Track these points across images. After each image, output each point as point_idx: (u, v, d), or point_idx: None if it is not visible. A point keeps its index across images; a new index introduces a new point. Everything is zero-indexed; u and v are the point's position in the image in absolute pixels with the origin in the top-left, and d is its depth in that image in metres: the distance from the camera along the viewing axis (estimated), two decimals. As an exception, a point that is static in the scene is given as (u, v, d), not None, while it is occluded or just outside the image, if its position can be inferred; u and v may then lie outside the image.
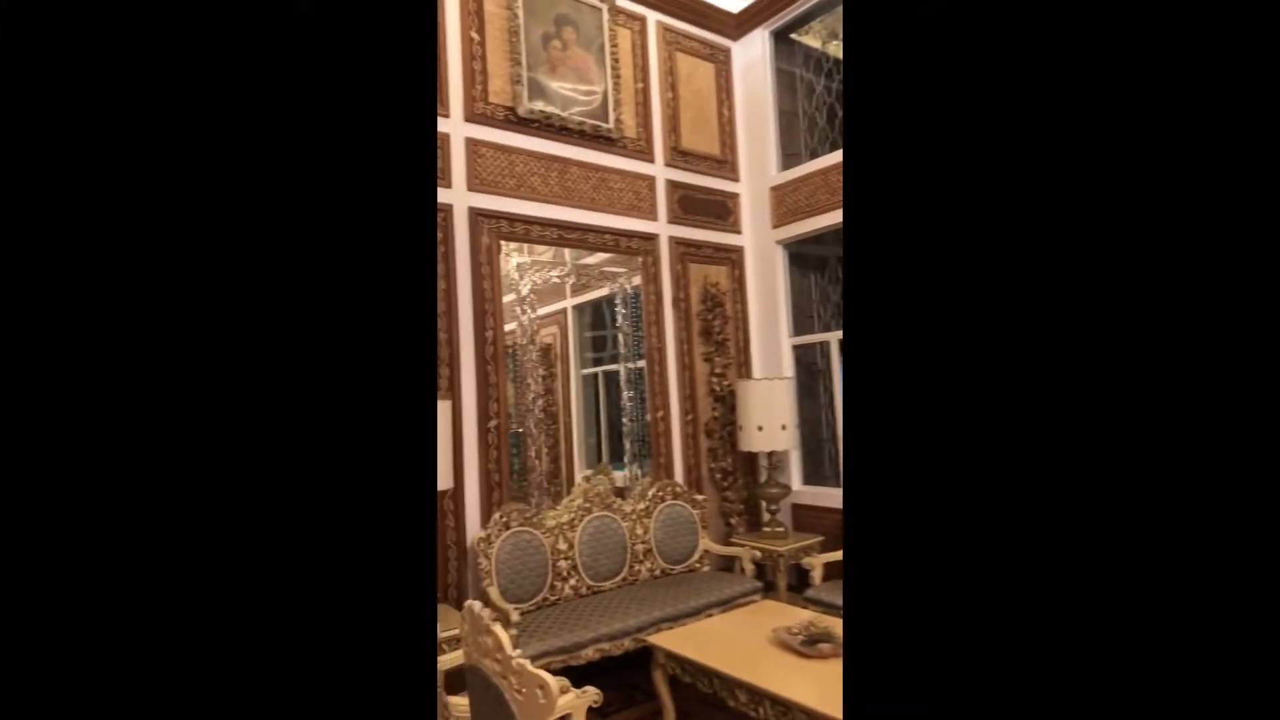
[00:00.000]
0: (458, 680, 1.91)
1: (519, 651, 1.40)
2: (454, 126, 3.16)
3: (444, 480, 2.62)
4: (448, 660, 2.04)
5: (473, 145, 3.21)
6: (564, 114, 3.47)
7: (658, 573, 3.45)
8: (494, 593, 2.83)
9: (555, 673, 2.63)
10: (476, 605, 1.51)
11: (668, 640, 2.42)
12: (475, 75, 3.25)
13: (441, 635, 2.15)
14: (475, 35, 3.26)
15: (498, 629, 1.40)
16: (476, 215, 3.18)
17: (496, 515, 3.00)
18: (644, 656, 2.61)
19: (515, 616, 2.63)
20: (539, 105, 3.39)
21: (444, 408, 2.65)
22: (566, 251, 3.56)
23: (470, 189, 3.18)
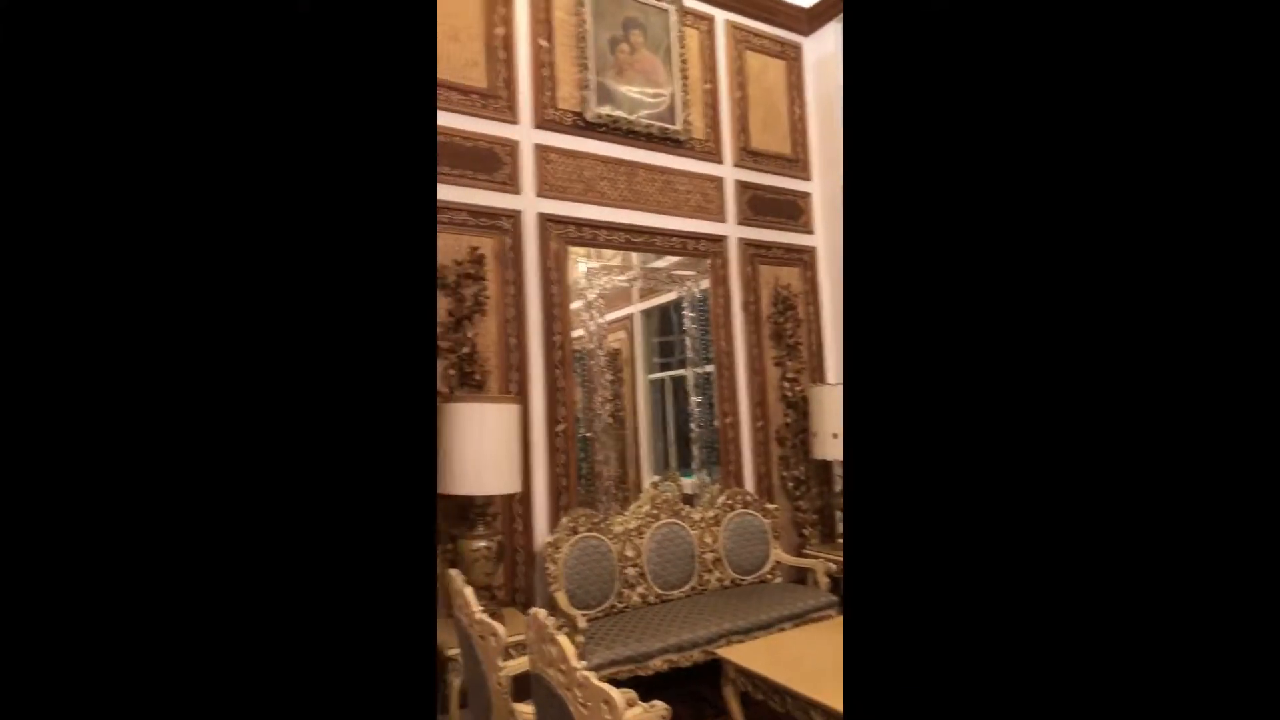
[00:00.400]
0: (524, 686, 1.89)
1: (583, 664, 1.36)
2: (523, 133, 3.19)
3: (513, 484, 2.63)
4: (514, 666, 2.03)
5: (541, 151, 3.23)
6: (631, 117, 3.45)
7: (727, 583, 3.36)
8: (562, 598, 2.82)
9: (623, 683, 2.58)
10: (541, 613, 1.48)
11: (739, 654, 2.34)
12: (544, 81, 3.27)
13: (509, 640, 2.15)
14: (544, 42, 3.28)
15: (562, 639, 1.37)
16: (545, 221, 3.20)
17: (564, 520, 3.00)
18: (714, 669, 2.53)
19: (583, 623, 2.61)
20: (606, 109, 3.38)
21: (513, 412, 2.66)
22: (634, 255, 3.53)
23: (539, 195, 3.20)
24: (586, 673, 1.35)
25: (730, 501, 3.49)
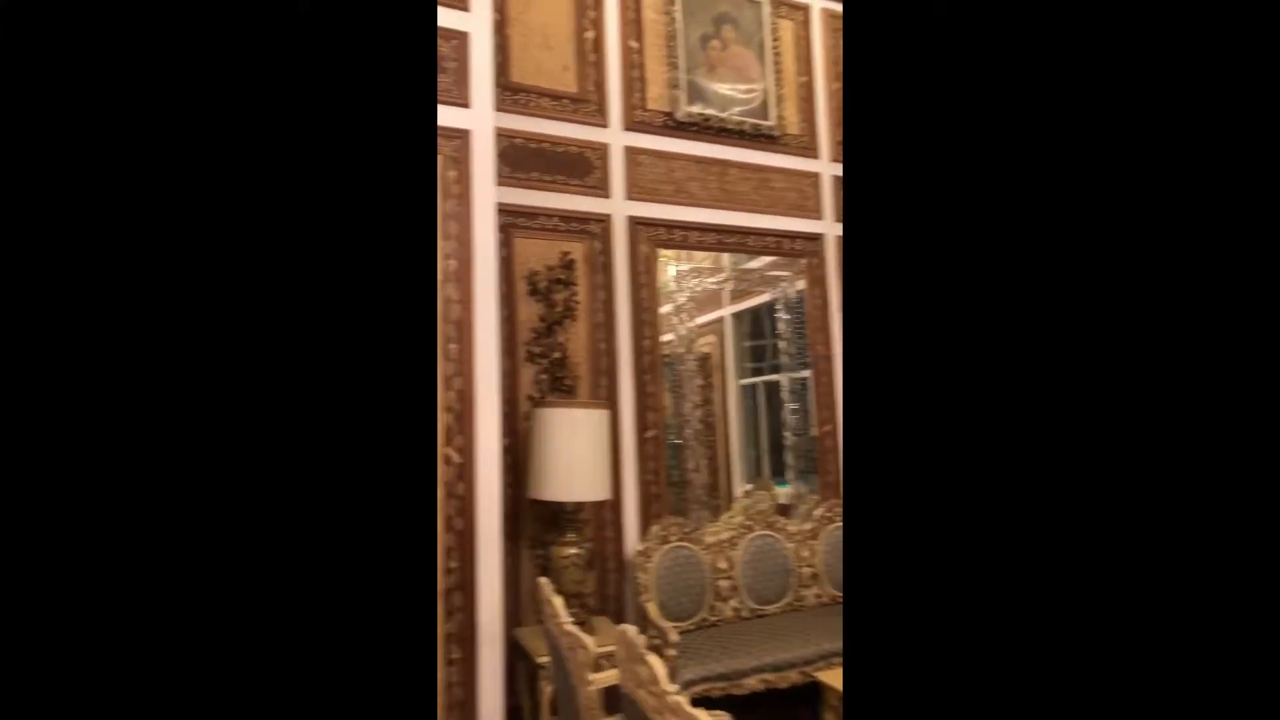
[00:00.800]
0: (615, 698, 1.84)
1: (675, 687, 1.28)
2: (613, 136, 3.17)
3: (602, 490, 2.60)
4: (604, 678, 1.98)
5: (631, 154, 3.20)
6: (723, 115, 3.36)
7: (825, 600, 3.18)
8: (652, 609, 2.76)
9: (715, 702, 2.48)
10: (631, 630, 1.41)
11: (840, 680, 2.18)
12: (633, 83, 3.24)
13: (598, 650, 2.11)
14: (634, 43, 3.25)
15: (653, 660, 1.30)
16: (634, 224, 3.16)
17: (655, 528, 2.93)
18: (813, 692, 2.38)
19: (674, 636, 2.53)
20: (697, 108, 3.30)
21: (602, 417, 2.63)
22: (725, 257, 3.43)
23: (629, 198, 3.17)
24: (679, 698, 1.27)
25: (829, 514, 3.31)
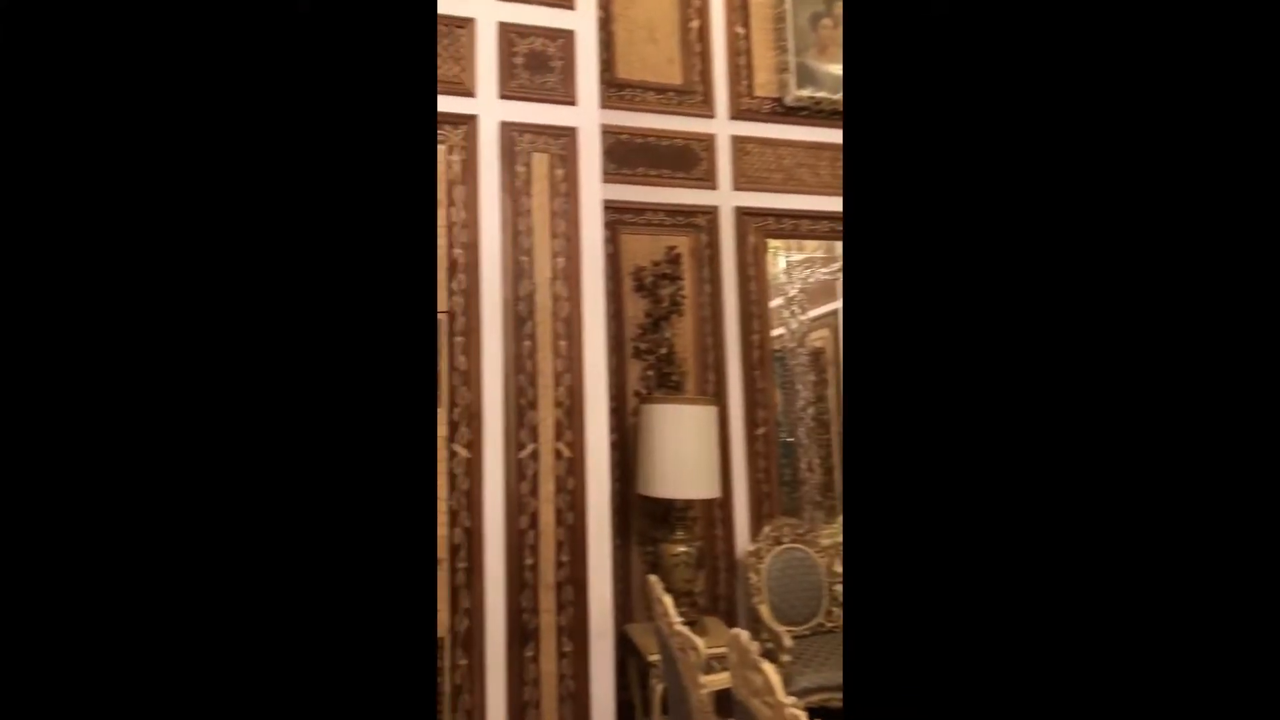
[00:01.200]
0: (727, 701, 1.79)
1: (792, 699, 1.22)
2: (720, 126, 3.10)
3: (711, 488, 2.55)
4: (715, 681, 1.93)
5: (738, 143, 3.11)
6: (835, 97, 3.19)
7: (954, 611, 2.96)
8: (765, 611, 2.67)
9: (834, 713, 2.37)
10: (744, 636, 1.36)
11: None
12: (740, 70, 3.15)
13: (709, 652, 2.06)
14: (740, 29, 3.16)
15: (768, 669, 1.23)
16: (742, 215, 3.07)
17: (767, 529, 2.84)
18: (940, 712, 2.21)
19: (788, 641, 2.44)
20: (807, 91, 3.16)
21: (710, 414, 2.58)
22: (839, 246, 3.27)
23: (736, 188, 3.09)
24: (796, 710, 1.20)
25: (956, 519, 3.07)
